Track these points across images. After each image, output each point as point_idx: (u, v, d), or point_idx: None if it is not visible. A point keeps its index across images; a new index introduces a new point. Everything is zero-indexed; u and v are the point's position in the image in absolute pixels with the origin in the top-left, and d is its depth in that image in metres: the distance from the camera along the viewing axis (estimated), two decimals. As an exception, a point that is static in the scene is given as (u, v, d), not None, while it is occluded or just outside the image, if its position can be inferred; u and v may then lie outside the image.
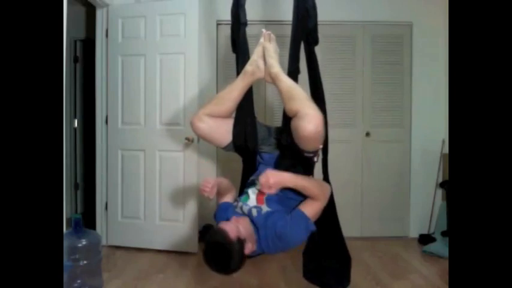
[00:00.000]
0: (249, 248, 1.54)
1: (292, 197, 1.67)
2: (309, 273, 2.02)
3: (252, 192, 1.71)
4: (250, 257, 1.61)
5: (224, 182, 1.93)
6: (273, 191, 1.56)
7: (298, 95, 1.60)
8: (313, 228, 1.60)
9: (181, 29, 3.06)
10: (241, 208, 1.67)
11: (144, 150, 3.17)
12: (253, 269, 2.69)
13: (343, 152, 3.57)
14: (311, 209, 1.61)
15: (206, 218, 3.51)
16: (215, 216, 1.75)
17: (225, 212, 1.71)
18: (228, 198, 1.84)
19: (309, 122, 1.47)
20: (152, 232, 3.14)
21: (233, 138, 1.80)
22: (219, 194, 1.86)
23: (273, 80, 1.75)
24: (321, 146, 1.67)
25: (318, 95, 1.85)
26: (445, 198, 3.43)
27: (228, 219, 1.60)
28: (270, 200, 1.64)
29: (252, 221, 1.61)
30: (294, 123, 1.52)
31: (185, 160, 3.09)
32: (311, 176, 1.76)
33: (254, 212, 1.62)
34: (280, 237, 1.55)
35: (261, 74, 1.78)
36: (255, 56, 1.80)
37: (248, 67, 1.80)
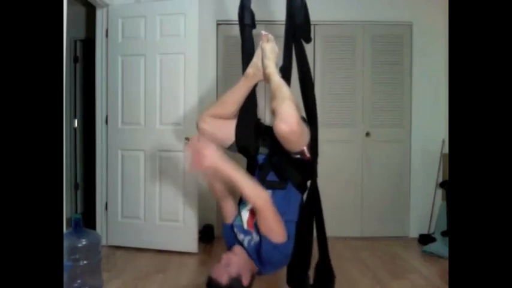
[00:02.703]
0: (247, 277, 1.60)
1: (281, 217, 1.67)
2: (291, 281, 2.01)
3: (244, 214, 1.73)
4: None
5: (219, 184, 1.85)
6: (201, 168, 1.56)
7: (280, 94, 1.59)
8: (285, 248, 1.61)
9: (181, 29, 3.06)
10: (237, 234, 1.73)
11: (144, 150, 3.18)
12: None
13: (343, 152, 3.58)
14: (266, 225, 1.58)
15: (206, 218, 3.52)
16: (224, 240, 1.85)
17: (228, 237, 1.79)
18: (230, 204, 1.83)
19: (282, 120, 1.45)
20: (152, 232, 3.14)
21: (235, 139, 1.82)
22: (219, 196, 1.84)
23: (266, 80, 1.77)
24: (305, 147, 1.63)
25: (307, 94, 1.82)
26: (445, 198, 3.43)
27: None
28: (257, 225, 1.66)
29: (246, 249, 1.68)
30: (273, 123, 1.52)
31: (185, 160, 3.08)
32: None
33: (245, 242, 1.68)
34: (266, 263, 1.63)
35: (261, 75, 1.80)
36: (255, 58, 1.82)
37: (249, 69, 1.82)
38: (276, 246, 1.58)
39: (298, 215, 1.77)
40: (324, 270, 1.83)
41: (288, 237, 1.63)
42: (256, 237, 1.66)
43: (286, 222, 1.67)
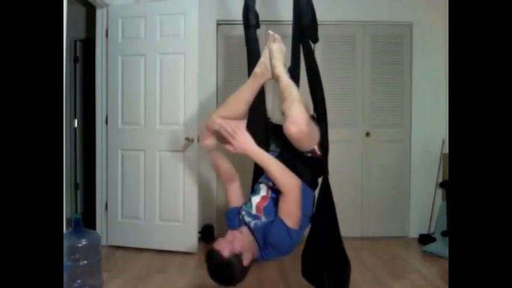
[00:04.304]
0: (248, 258, 1.61)
1: None
2: (307, 274, 2.03)
3: (254, 200, 1.76)
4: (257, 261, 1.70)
5: (225, 164, 1.93)
6: (235, 148, 1.62)
7: (289, 95, 1.63)
8: (296, 236, 1.63)
9: (181, 29, 3.06)
10: (243, 218, 1.74)
11: (144, 150, 3.17)
12: (253, 269, 2.68)
13: (343, 152, 3.57)
14: (287, 208, 1.61)
15: (206, 218, 3.52)
16: (227, 223, 1.85)
17: (232, 221, 1.80)
18: (236, 187, 1.86)
19: (291, 122, 1.51)
20: (152, 232, 3.14)
21: None
22: (225, 178, 1.88)
23: (275, 80, 1.78)
24: (315, 146, 1.68)
25: (316, 94, 1.86)
26: (445, 198, 3.43)
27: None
28: (267, 209, 1.70)
29: (252, 231, 1.69)
30: (283, 124, 1.57)
31: (185, 160, 3.09)
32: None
33: (252, 224, 1.70)
34: (271, 246, 1.64)
35: (269, 75, 1.81)
36: (263, 58, 1.83)
37: (257, 69, 1.84)
38: (288, 230, 1.60)
39: (311, 210, 1.80)
40: (338, 257, 1.85)
41: (300, 227, 1.65)
42: (263, 219, 1.69)
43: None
